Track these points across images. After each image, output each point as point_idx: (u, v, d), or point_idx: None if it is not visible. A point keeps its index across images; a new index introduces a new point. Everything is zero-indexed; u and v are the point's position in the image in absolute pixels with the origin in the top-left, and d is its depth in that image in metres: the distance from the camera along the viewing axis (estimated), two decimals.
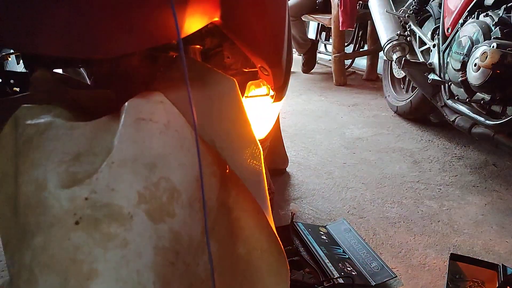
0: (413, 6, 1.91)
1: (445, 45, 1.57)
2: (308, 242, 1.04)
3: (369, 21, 2.87)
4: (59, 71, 0.74)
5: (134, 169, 0.42)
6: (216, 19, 0.50)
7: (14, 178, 0.49)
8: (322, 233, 1.12)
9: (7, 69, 0.70)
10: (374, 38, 2.80)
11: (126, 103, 0.50)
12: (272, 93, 0.61)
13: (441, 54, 1.59)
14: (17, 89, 0.71)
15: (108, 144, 0.47)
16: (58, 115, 0.51)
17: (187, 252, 0.45)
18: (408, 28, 1.89)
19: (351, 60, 3.27)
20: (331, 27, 2.88)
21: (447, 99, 1.55)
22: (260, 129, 0.67)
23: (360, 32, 3.15)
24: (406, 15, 1.89)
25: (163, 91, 0.52)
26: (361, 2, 2.76)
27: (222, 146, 0.53)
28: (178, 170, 0.46)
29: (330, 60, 3.12)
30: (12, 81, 0.71)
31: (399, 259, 1.08)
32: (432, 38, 1.72)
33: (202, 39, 0.73)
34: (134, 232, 0.38)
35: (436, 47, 1.64)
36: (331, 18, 2.83)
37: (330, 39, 3.10)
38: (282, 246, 0.62)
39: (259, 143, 0.59)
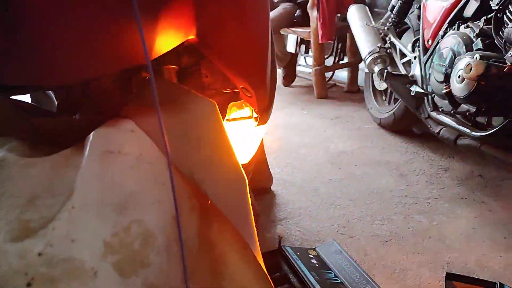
0: (391, 19, 1.91)
1: (426, 57, 1.56)
2: (298, 268, 0.99)
3: (348, 34, 2.88)
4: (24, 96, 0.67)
5: (99, 213, 0.36)
6: (192, 36, 0.45)
7: None
8: (311, 256, 1.07)
9: None
10: (354, 50, 2.81)
11: (91, 133, 0.44)
12: (255, 115, 0.56)
13: (422, 66, 1.58)
14: None
15: (70, 183, 0.41)
16: (12, 149, 0.44)
17: None
18: (388, 40, 1.89)
19: (331, 72, 3.27)
20: (310, 40, 2.87)
21: (431, 111, 1.54)
22: (243, 154, 0.62)
23: (340, 45, 3.16)
24: (386, 28, 1.89)
25: (135, 119, 0.47)
26: (339, 15, 2.77)
27: (202, 177, 0.48)
28: (153, 210, 0.40)
29: (310, 73, 3.11)
30: None
31: (393, 280, 1.03)
32: (413, 50, 1.72)
33: (178, 57, 0.67)
34: None
35: (417, 59, 1.64)
36: (310, 31, 2.82)
37: (310, 52, 3.08)
38: (272, 283, 0.56)
39: (243, 170, 0.54)
